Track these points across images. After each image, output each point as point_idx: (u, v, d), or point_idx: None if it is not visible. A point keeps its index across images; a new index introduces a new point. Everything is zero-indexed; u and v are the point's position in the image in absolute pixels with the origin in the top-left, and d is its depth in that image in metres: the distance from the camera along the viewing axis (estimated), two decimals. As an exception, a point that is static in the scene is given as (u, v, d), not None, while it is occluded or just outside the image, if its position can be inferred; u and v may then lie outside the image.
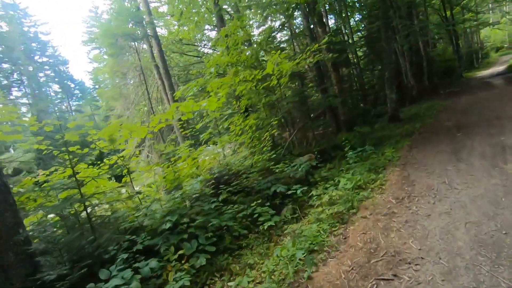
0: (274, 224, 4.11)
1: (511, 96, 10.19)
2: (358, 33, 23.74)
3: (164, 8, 16.66)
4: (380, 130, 9.62)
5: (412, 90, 15.77)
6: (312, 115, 19.49)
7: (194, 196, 4.47)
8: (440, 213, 3.36)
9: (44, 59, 33.87)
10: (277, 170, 5.39)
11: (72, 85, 37.77)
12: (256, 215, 4.24)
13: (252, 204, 4.31)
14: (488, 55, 38.10)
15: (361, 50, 23.08)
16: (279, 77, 6.23)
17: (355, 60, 20.16)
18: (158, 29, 14.25)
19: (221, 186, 5.37)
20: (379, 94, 21.34)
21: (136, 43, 12.01)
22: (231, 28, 7.31)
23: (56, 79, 35.07)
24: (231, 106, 8.98)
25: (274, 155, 6.42)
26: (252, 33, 13.97)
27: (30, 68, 30.77)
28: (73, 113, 36.42)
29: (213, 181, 5.58)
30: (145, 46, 13.38)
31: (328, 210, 3.69)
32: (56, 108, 33.94)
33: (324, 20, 19.18)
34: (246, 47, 11.03)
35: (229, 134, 8.11)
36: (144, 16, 12.28)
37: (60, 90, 36.43)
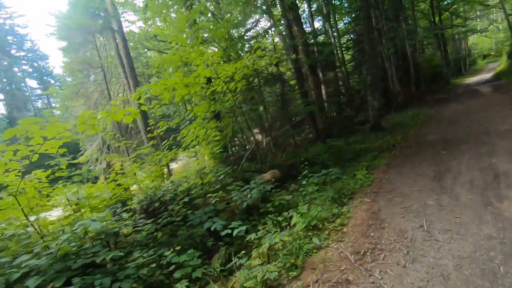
0: (198, 277, 3.00)
1: (500, 107, 9.33)
2: (349, 36, 22.86)
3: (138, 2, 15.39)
4: (358, 142, 8.60)
5: (398, 97, 14.88)
6: (297, 118, 18.54)
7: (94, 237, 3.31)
8: (412, 287, 2.30)
9: (22, 53, 32.00)
10: (214, 200, 4.24)
11: (52, 81, 35.89)
12: (174, 265, 3.12)
13: (167, 253, 3.17)
14: (476, 62, 37.85)
15: (349, 53, 22.23)
16: (227, 80, 5.10)
17: (340, 62, 19.23)
18: (132, 25, 12.89)
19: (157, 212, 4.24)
20: (365, 100, 20.54)
21: (96, 37, 10.74)
22: (190, 18, 6.17)
23: (34, 75, 33.19)
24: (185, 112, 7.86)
25: (227, 173, 5.29)
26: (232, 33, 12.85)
27: (5, 63, 28.92)
28: (54, 111, 34.56)
29: (145, 207, 4.43)
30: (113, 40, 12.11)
31: (260, 272, 2.58)
32: (31, 105, 32.09)
33: (309, 20, 18.16)
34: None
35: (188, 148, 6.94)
36: (108, 8, 11.02)
37: (39, 86, 34.54)
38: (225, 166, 6.24)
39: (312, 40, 12.19)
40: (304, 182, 4.94)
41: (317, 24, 25.76)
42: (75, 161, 10.09)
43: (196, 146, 6.29)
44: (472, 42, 44.01)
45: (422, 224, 3.18)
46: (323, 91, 17.70)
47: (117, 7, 11.46)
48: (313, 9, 22.79)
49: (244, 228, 3.37)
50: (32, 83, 33.65)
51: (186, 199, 4.11)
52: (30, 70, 32.68)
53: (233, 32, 11.31)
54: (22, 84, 31.76)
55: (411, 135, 8.05)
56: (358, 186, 4.61)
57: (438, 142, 6.68)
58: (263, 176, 6.10)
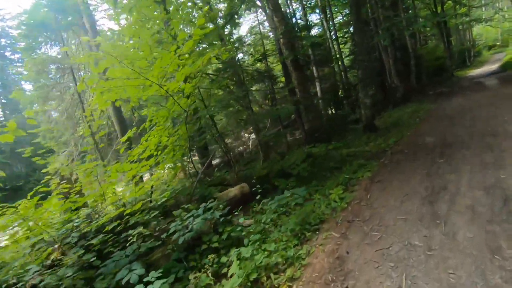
0: None
1: (508, 101, 8.20)
2: (347, 29, 21.62)
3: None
4: (347, 145, 7.59)
5: (396, 91, 13.74)
6: (292, 117, 17.55)
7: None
8: None
9: (17, 56, 31.40)
10: (135, 235, 3.27)
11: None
12: None
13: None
14: (481, 54, 36.16)
15: (346, 46, 21.05)
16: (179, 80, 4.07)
17: (337, 56, 18.07)
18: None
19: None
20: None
21: (68, 35, 9.86)
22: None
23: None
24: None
25: (179, 191, 4.35)
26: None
27: (-2, 65, 28.37)
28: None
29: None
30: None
31: None
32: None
33: (303, 14, 16.99)
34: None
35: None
36: (78, 3, 10.09)
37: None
38: (189, 181, 5.33)
39: (301, 33, 11.12)
40: (267, 205, 3.98)
41: (315, 18, 24.56)
42: (44, 170, 9.27)
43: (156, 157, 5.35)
44: (477, 33, 42.12)
45: (400, 284, 2.21)
46: (318, 87, 16.64)
47: (89, 2, 10.53)
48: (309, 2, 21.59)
49: (172, 277, 2.43)
50: (28, 86, 33.04)
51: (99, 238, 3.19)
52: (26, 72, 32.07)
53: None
54: (17, 87, 31.20)
55: (407, 136, 6.99)
56: (329, 212, 3.64)
57: (436, 146, 5.63)
58: (227, 192, 5.16)
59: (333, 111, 16.21)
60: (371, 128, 8.60)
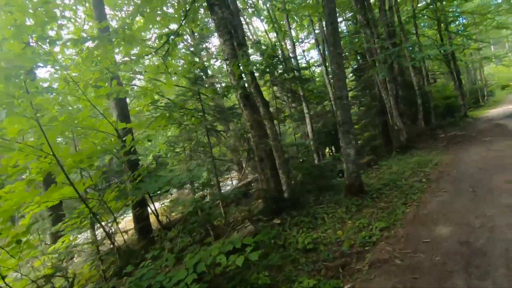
0: None
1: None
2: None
3: None
4: (311, 224, 4.82)
5: (399, 135, 11.05)
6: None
7: None
8: None
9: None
10: None
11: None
12: None
13: None
14: (494, 93, 33.37)
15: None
16: None
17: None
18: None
19: None
20: (361, 135, 16.56)
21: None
22: None
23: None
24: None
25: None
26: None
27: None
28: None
29: None
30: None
31: None
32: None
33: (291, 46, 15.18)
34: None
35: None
36: None
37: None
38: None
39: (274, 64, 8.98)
40: None
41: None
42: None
43: None
44: (488, 72, 39.70)
45: None
46: (309, 127, 14.18)
47: None
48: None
49: None
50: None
51: None
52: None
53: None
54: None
55: (403, 220, 4.20)
56: None
57: (456, 259, 2.86)
58: None
59: (322, 157, 13.52)
60: (355, 190, 5.86)
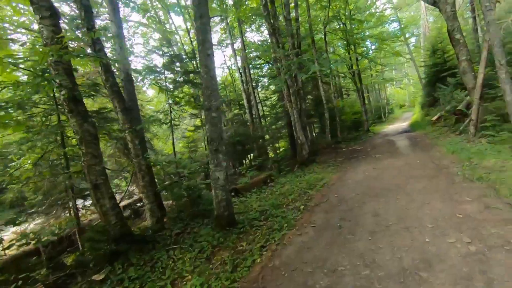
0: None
1: (423, 181, 5.31)
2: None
3: None
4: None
5: (302, 149, 10.73)
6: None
7: None
8: None
9: None
10: None
11: None
12: None
13: None
14: (394, 111, 38.43)
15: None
16: None
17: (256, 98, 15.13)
18: None
19: None
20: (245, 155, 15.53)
21: None
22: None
23: None
24: None
25: None
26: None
27: None
28: None
29: None
30: None
31: None
32: None
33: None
34: None
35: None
36: None
37: None
38: None
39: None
40: None
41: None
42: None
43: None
44: (390, 93, 45.89)
45: None
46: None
47: None
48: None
49: None
50: None
51: None
52: None
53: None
54: None
55: (245, 279, 3.19)
56: None
57: None
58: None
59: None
60: (224, 222, 4.77)
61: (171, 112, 9.10)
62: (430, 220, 3.63)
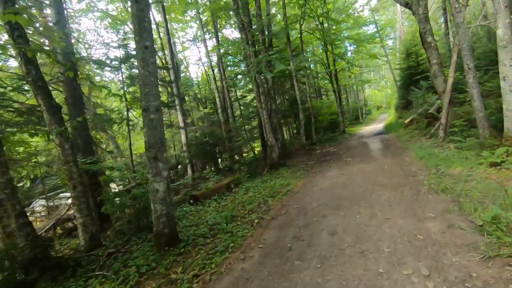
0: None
1: (389, 191, 4.91)
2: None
3: None
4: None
5: (272, 151, 10.20)
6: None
7: None
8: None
9: None
10: None
11: None
12: None
13: None
14: (371, 112, 38.99)
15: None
16: None
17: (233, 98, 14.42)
18: None
19: None
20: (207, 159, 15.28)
21: None
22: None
23: None
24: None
25: None
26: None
27: None
28: None
29: None
30: None
31: None
32: None
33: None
34: None
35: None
36: None
37: None
38: None
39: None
40: None
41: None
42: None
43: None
44: (368, 94, 46.62)
45: None
46: (183, 136, 12.22)
47: None
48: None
49: None
50: None
51: None
52: None
53: None
54: None
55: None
56: None
57: None
58: None
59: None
60: (164, 241, 4.10)
61: (128, 110, 8.25)
62: (388, 242, 3.15)
